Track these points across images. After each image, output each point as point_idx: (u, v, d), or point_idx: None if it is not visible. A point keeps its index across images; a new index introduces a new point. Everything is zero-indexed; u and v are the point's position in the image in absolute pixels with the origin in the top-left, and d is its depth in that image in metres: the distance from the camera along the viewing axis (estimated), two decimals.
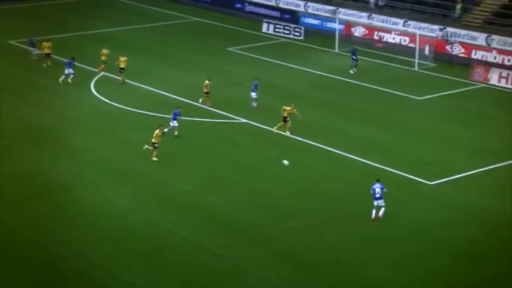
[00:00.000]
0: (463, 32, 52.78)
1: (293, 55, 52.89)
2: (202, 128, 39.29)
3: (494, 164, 34.14)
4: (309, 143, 36.99)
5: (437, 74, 48.65)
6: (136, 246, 27.60)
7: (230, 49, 54.09)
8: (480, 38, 52.06)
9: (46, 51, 49.12)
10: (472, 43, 52.04)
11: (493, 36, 51.51)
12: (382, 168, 33.97)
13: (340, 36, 54.51)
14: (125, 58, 45.79)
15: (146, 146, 34.96)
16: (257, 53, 52.98)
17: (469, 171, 33.39)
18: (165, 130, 36.48)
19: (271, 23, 59.71)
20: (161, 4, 68.36)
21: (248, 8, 65.64)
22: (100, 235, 28.35)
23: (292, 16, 61.64)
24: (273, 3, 64.88)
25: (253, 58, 52.05)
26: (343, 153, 35.64)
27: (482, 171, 33.52)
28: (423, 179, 32.70)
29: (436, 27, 53.76)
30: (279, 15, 62.32)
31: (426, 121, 40.39)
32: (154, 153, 34.74)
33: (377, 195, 29.13)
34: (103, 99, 43.33)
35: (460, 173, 33.23)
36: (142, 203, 30.89)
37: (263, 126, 39.17)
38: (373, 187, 29.33)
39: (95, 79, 46.78)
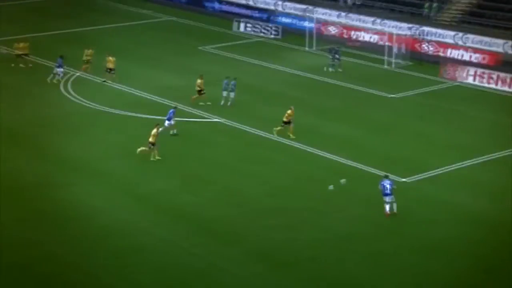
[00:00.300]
0: (435, 30, 53.19)
1: (266, 54, 52.90)
2: (176, 127, 39.10)
3: (466, 161, 34.43)
4: (283, 142, 37.03)
5: (409, 72, 48.97)
6: (112, 246, 27.45)
7: (202, 48, 53.92)
8: (451, 36, 52.49)
9: (18, 51, 48.59)
10: (444, 42, 52.47)
11: (464, 35, 51.96)
12: (355, 166, 34.13)
13: (313, 34, 54.60)
14: (114, 58, 45.50)
15: (140, 148, 34.64)
16: (230, 52, 52.93)
17: (441, 168, 33.67)
18: (160, 129, 36.22)
19: (244, 22, 59.66)
20: (134, 3, 68.01)
21: (221, 7, 65.51)
22: (75, 235, 28.13)
23: (265, 15, 61.65)
24: (246, 2, 64.80)
25: (226, 57, 52.01)
26: (317, 151, 35.73)
27: (454, 168, 33.80)
28: (396, 176, 32.86)
29: (408, 25, 54.08)
30: (252, 14, 62.30)
31: (399, 118, 40.64)
32: (156, 152, 34.51)
33: (387, 191, 29.41)
34: (77, 99, 42.98)
35: (432, 170, 33.50)
36: (117, 203, 30.71)
37: (237, 125, 39.15)
38: (383, 183, 29.59)
39: (71, 79, 46.41)
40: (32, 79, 46.41)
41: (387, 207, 29.42)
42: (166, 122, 37.29)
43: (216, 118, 40.12)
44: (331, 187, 31.08)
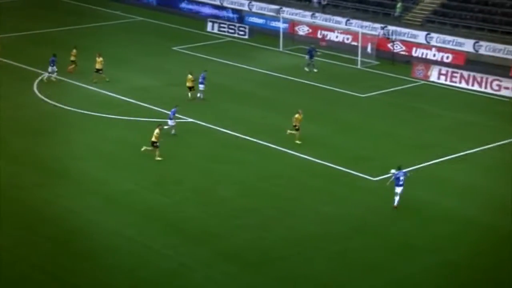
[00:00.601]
0: (404, 30, 53.55)
1: (238, 54, 52.88)
2: (146, 127, 38.93)
3: (434, 159, 34.66)
4: (253, 141, 37.03)
5: (379, 72, 49.21)
6: (80, 247, 27.24)
7: (175, 48, 53.74)
8: (420, 36, 52.90)
9: None
10: (413, 41, 52.85)
11: (432, 34, 52.40)
12: (325, 165, 34.20)
13: (284, 35, 54.70)
14: (101, 58, 45.17)
15: (144, 147, 34.60)
16: (202, 52, 52.81)
17: (411, 167, 33.79)
18: (165, 127, 36.34)
19: (216, 22, 59.59)
20: (103, 4, 67.62)
21: (193, 7, 65.38)
22: (41, 237, 27.84)
23: (236, 15, 61.61)
24: (217, 3, 64.77)
25: (198, 57, 51.87)
26: (286, 150, 35.77)
27: (422, 166, 33.99)
28: (366, 175, 33.01)
29: (378, 25, 54.43)
30: (223, 15, 62.23)
31: (368, 118, 40.81)
32: (157, 153, 34.37)
33: (401, 182, 29.75)
34: (45, 99, 42.64)
35: (402, 169, 33.52)
36: (87, 204, 30.49)
37: (209, 125, 39.07)
38: (397, 175, 29.84)
39: (38, 80, 46.03)
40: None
41: (397, 199, 29.77)
42: (169, 122, 37.25)
43: (187, 119, 40.00)
44: (392, 171, 30.57)
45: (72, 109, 41.28)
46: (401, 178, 29.86)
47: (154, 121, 39.72)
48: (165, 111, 40.84)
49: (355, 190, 32.00)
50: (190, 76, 42.30)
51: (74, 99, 42.84)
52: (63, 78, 46.20)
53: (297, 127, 36.52)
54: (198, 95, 42.01)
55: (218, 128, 38.59)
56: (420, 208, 30.30)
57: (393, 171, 30.48)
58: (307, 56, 49.06)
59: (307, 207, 30.30)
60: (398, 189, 29.92)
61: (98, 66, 45.15)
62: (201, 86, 41.95)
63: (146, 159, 34.99)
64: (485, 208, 30.25)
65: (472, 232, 28.50)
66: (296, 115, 36.61)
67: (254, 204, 30.60)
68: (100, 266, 26.11)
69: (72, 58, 46.67)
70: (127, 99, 43.07)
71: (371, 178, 32.74)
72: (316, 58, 48.94)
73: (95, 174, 33.32)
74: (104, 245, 27.43)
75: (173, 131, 37.40)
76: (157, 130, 34.66)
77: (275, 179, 33.02)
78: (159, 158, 34.44)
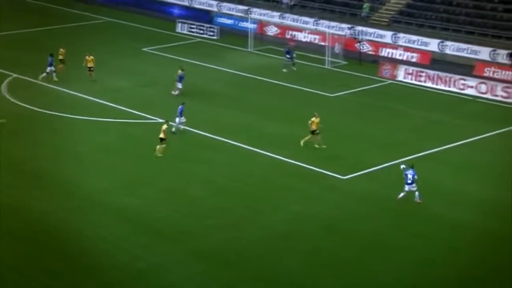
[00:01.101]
0: (370, 30, 53.85)
1: (207, 55, 52.74)
2: (116, 129, 38.70)
3: (403, 157, 34.81)
4: (224, 141, 36.93)
5: (347, 72, 49.41)
6: (54, 248, 26.96)
7: (145, 49, 53.42)
8: (387, 36, 53.24)
9: None
10: (380, 41, 53.18)
11: (399, 34, 52.77)
12: (295, 164, 34.23)
13: (253, 35, 54.68)
14: (92, 57, 45.10)
15: (157, 152, 34.51)
16: (172, 53, 52.55)
17: (380, 165, 34.01)
18: (173, 124, 36.90)
19: (185, 23, 59.38)
20: (71, 5, 66.97)
21: (162, 8, 65.05)
22: (16, 238, 27.50)
23: (206, 16, 61.44)
24: (186, 3, 64.56)
25: (168, 58, 51.62)
26: (257, 150, 35.73)
27: (391, 164, 34.15)
28: (336, 173, 33.11)
29: (345, 26, 54.67)
30: (193, 15, 62.01)
31: (337, 117, 40.93)
32: (161, 149, 34.37)
33: (409, 181, 29.95)
34: (15, 101, 42.08)
35: (371, 167, 33.78)
36: (59, 205, 30.16)
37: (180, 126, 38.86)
38: (406, 173, 30.06)
39: (6, 81, 45.43)
40: None
41: (402, 194, 30.09)
42: (177, 119, 37.31)
43: (158, 119, 39.76)
44: (403, 166, 30.85)
45: (43, 111, 40.79)
46: (409, 176, 30.09)
47: (126, 122, 39.51)
48: (137, 112, 40.62)
49: (326, 189, 32.05)
50: (179, 71, 42.79)
51: (45, 101, 42.33)
52: (33, 80, 45.63)
53: (316, 131, 35.35)
54: (176, 92, 41.83)
55: (189, 128, 38.42)
56: (391, 206, 30.43)
57: (403, 166, 30.75)
58: (287, 56, 48.95)
59: (279, 206, 30.29)
60: (406, 187, 30.10)
61: (90, 64, 45.20)
62: (178, 85, 41.81)
63: (118, 160, 34.74)
64: (454, 206, 30.47)
65: (442, 229, 28.67)
66: (313, 118, 35.59)
67: (227, 204, 30.51)
68: (74, 266, 25.84)
69: (61, 57, 46.42)
70: (99, 100, 42.68)
71: (342, 177, 32.83)
72: (289, 57, 48.93)
73: (68, 175, 32.98)
74: (78, 246, 27.15)
75: (181, 127, 37.49)
76: (164, 126, 34.78)
77: (247, 178, 32.97)
78: (160, 154, 34.37)
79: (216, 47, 55.12)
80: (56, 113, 40.41)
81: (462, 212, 29.96)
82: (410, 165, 30.65)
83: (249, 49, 53.72)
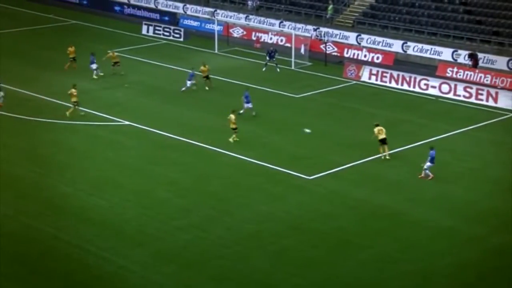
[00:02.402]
0: (335, 31, 54.00)
1: (173, 57, 52.41)
2: (81, 131, 38.21)
3: (368, 156, 34.92)
4: (188, 142, 36.66)
5: (312, 73, 49.44)
6: (16, 252, 26.43)
7: (110, 51, 52.82)
8: (351, 37, 53.41)
9: None
10: (344, 42, 53.33)
11: (363, 35, 52.97)
12: (260, 164, 34.09)
13: (219, 37, 54.47)
14: (115, 53, 46.84)
15: (232, 138, 35.98)
16: (137, 55, 52.11)
17: (344, 165, 34.02)
18: (240, 111, 38.32)
19: (151, 25, 58.95)
20: (35, 7, 66.10)
21: (128, 10, 64.55)
22: None
23: (173, 18, 61.09)
24: (152, 5, 64.13)
25: (134, 60, 51.12)
26: (221, 151, 35.52)
27: (355, 164, 34.21)
28: (301, 173, 33.04)
29: (310, 27, 54.76)
30: (158, 17, 61.63)
31: (302, 117, 40.86)
32: (234, 135, 35.94)
33: (431, 161, 32.21)
34: None
35: (336, 167, 33.78)
36: (20, 208, 29.65)
37: (144, 127, 38.54)
38: (432, 154, 32.29)
39: None
40: None
41: (429, 172, 32.23)
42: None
43: (123, 121, 39.38)
44: (307, 131, 32.27)
45: (6, 113, 40.11)
46: (429, 158, 32.24)
47: (90, 124, 39.01)
48: (101, 114, 40.17)
49: (291, 189, 31.94)
50: (204, 68, 44.30)
51: (8, 104, 41.60)
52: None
53: (384, 140, 34.50)
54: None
55: (153, 130, 38.09)
56: (355, 205, 30.47)
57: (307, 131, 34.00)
58: (267, 57, 49.03)
59: (244, 207, 30.12)
60: (429, 164, 32.21)
61: (115, 59, 46.88)
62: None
63: (83, 162, 34.27)
64: (416, 203, 30.60)
65: (404, 226, 28.80)
66: (375, 129, 34.62)
67: (193, 205, 30.25)
68: (36, 270, 25.37)
69: (71, 56, 47.25)
70: (64, 103, 42.07)
71: (307, 177, 32.77)
72: (272, 58, 48.85)
73: (31, 178, 32.46)
74: (41, 249, 26.69)
75: (253, 113, 39.49)
76: (232, 116, 35.62)
77: (212, 179, 32.75)
78: (236, 139, 35.94)
79: (182, 49, 54.81)
80: (20, 116, 39.76)
81: (422, 209, 30.08)
82: (432, 147, 32.62)
83: (215, 51, 53.50)
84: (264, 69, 48.97)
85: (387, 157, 34.73)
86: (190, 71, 44.22)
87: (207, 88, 44.59)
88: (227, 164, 34.46)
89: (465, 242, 27.62)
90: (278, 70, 48.80)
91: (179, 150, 35.91)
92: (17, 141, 36.75)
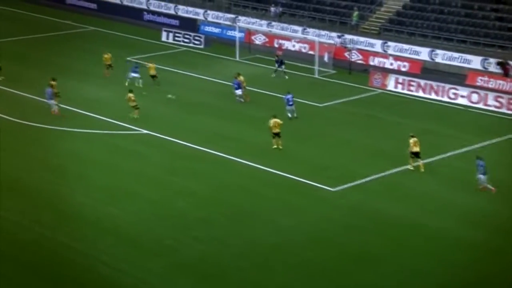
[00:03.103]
0: (360, 39, 54.04)
1: (193, 64, 52.77)
2: (98, 140, 38.57)
3: (393, 168, 34.86)
4: (209, 152, 36.83)
5: (336, 81, 49.51)
6: (30, 262, 26.71)
7: (129, 58, 53.29)
8: (377, 45, 53.42)
9: None
10: (370, 50, 53.34)
11: (389, 43, 52.94)
12: (282, 175, 34.16)
13: (240, 44, 54.75)
14: (154, 64, 47.37)
15: (274, 146, 36.60)
16: (157, 63, 52.33)
17: (369, 176, 33.96)
18: (289, 115, 39.69)
19: (171, 31, 59.41)
20: (52, 13, 66.90)
21: (147, 17, 65.12)
22: None
23: (193, 25, 61.50)
24: (172, 12, 64.64)
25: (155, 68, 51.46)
26: (242, 161, 35.63)
27: (381, 175, 34.16)
28: (324, 185, 33.06)
29: (334, 34, 54.85)
30: (181, 24, 62.08)
31: (327, 127, 40.96)
32: (280, 142, 36.50)
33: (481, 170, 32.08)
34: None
35: (360, 179, 33.75)
36: (35, 218, 29.94)
37: (163, 136, 38.80)
38: (479, 163, 32.32)
39: None
40: None
41: (488, 185, 32.07)
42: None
43: (142, 130, 39.70)
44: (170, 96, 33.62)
45: (22, 121, 40.59)
46: (481, 168, 32.17)
47: (108, 133, 39.37)
48: (120, 123, 40.53)
49: (314, 200, 31.97)
50: (242, 78, 44.14)
51: (25, 111, 42.14)
52: (15, 91, 45.47)
53: (417, 153, 34.39)
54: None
55: (172, 139, 38.34)
56: (379, 218, 30.42)
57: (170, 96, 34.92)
58: (276, 65, 49.60)
59: (264, 218, 30.19)
60: (481, 176, 32.12)
61: (152, 72, 46.87)
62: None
63: (100, 171, 34.57)
64: (440, 216, 30.49)
65: (427, 238, 28.71)
66: (411, 140, 34.61)
67: (211, 216, 30.38)
68: (51, 281, 25.61)
69: (107, 63, 48.32)
70: (80, 111, 42.53)
71: (330, 189, 32.78)
72: (273, 67, 49.42)
73: (45, 187, 32.79)
74: (55, 260, 26.91)
75: (294, 115, 40.81)
76: (277, 120, 36.45)
77: (232, 190, 32.87)
78: (279, 147, 36.44)
79: (203, 56, 55.15)
80: (35, 124, 40.24)
81: (450, 223, 29.98)
82: (479, 157, 32.55)
83: (236, 59, 53.76)
84: (273, 75, 49.47)
85: (422, 170, 34.55)
86: (234, 80, 44.29)
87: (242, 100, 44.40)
88: (247, 174, 34.58)
89: (487, 255, 27.55)
90: (287, 77, 49.06)
91: (198, 160, 36.11)
92: (33, 149, 37.16)
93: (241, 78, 44.68)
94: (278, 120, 37.07)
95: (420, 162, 34.71)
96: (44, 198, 31.80)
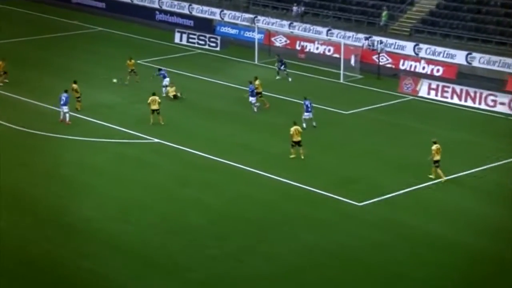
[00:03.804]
0: (390, 41, 54.30)
1: (208, 68, 53.32)
2: (107, 149, 39.15)
3: (425, 181, 35.10)
4: (224, 162, 37.33)
5: (364, 87, 49.85)
6: (36, 280, 27.28)
7: (140, 61, 53.95)
8: (408, 47, 53.66)
9: None
10: (400, 53, 53.61)
11: (421, 45, 53.17)
12: (303, 188, 34.51)
13: (260, 46, 55.24)
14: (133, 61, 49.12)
15: (292, 156, 37.29)
16: (169, 66, 53.01)
17: (398, 190, 34.24)
18: (305, 125, 39.81)
19: (185, 32, 60.01)
20: (57, 12, 67.83)
21: (159, 16, 65.75)
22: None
23: (209, 25, 62.03)
24: (186, 11, 65.20)
25: (167, 72, 52.08)
26: (261, 172, 36.09)
27: (411, 189, 34.42)
28: (350, 199, 33.40)
29: (362, 36, 55.15)
30: (195, 24, 62.64)
31: (352, 136, 41.33)
32: (302, 151, 37.12)
33: None
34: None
35: (389, 192, 34.02)
36: (42, 233, 30.52)
37: (176, 146, 39.35)
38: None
39: None
40: None
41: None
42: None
43: (153, 139, 40.27)
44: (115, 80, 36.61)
45: (24, 129, 41.31)
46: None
47: (118, 142, 39.99)
48: (131, 131, 41.09)
49: (339, 216, 32.33)
50: (258, 82, 44.57)
51: (28, 118, 42.90)
52: (16, 96, 46.20)
53: (437, 162, 34.88)
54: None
55: (186, 149, 38.88)
56: (410, 235, 30.71)
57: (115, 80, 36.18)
58: (277, 64, 50.49)
59: (285, 235, 30.55)
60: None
61: (131, 68, 48.64)
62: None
63: (110, 184, 35.16)
64: (479, 235, 30.68)
65: (463, 258, 28.98)
66: (433, 147, 35.01)
67: (227, 232, 30.81)
68: None
69: (131, 68, 49.18)
70: (87, 117, 43.22)
71: (356, 203, 33.12)
72: (288, 70, 50.07)
73: (52, 200, 33.40)
74: (63, 277, 27.45)
75: (313, 123, 41.51)
76: (297, 128, 37.18)
77: (250, 204, 33.31)
78: (302, 157, 37.04)
79: (219, 59, 55.71)
80: (39, 132, 40.93)
81: (484, 240, 30.19)
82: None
83: (255, 62, 54.27)
84: (278, 77, 50.21)
85: (443, 179, 35.02)
86: (250, 86, 44.56)
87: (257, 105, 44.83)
88: (266, 187, 35.02)
89: None
90: (290, 79, 49.86)
91: (213, 171, 36.60)
92: (38, 159, 37.83)
93: (257, 82, 45.14)
94: (298, 128, 37.59)
95: (442, 174, 35.00)
96: (50, 212, 32.38)
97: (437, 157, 35.03)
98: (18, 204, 33.05)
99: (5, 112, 43.70)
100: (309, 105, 41.48)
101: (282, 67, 50.55)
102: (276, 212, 32.50)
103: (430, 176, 35.26)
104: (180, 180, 35.59)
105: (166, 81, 46.98)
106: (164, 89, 46.60)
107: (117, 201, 33.33)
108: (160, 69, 48.00)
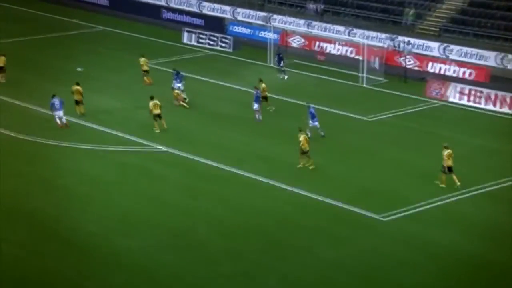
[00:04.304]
0: (417, 41, 54.25)
1: (220, 70, 53.47)
2: (110, 158, 39.30)
3: (453, 193, 35.05)
4: (237, 172, 37.40)
5: (388, 91, 49.83)
6: None
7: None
8: (436, 48, 53.60)
9: None
10: (428, 55, 53.55)
11: (451, 46, 53.09)
12: (322, 200, 34.54)
13: (275, 47, 55.27)
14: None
15: (300, 165, 37.44)
16: (177, 68, 53.14)
17: (424, 202, 34.20)
18: (309, 134, 39.36)
19: (194, 32, 60.18)
20: (56, 10, 68.22)
21: (166, 15, 65.97)
22: None
23: (220, 24, 62.20)
24: (196, 9, 65.38)
25: (172, 74, 52.25)
26: (275, 183, 36.14)
27: (438, 202, 34.40)
28: (372, 212, 33.39)
29: (385, 36, 55.11)
30: (203, 23, 62.84)
31: (375, 144, 41.30)
32: (311, 161, 37.36)
33: None
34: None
35: (413, 205, 34.01)
36: (38, 249, 30.66)
37: (184, 155, 39.46)
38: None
39: None
40: None
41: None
42: (311, 123, 40.92)
43: (160, 147, 40.39)
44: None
45: (21, 136, 41.52)
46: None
47: (119, 150, 40.11)
48: (134, 139, 41.22)
49: (359, 230, 32.34)
50: (264, 85, 44.91)
51: (24, 124, 43.13)
52: (12, 101, 46.47)
53: (450, 168, 35.36)
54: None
55: (195, 158, 38.97)
56: (437, 252, 30.65)
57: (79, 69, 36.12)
58: (276, 58, 50.86)
59: (302, 251, 30.57)
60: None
61: (144, 68, 49.81)
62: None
63: (111, 195, 35.29)
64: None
65: (498, 277, 28.87)
66: (445, 152, 35.56)
67: (239, 247, 30.85)
68: None
69: (145, 68, 49.89)
70: (86, 123, 43.39)
71: (379, 217, 33.11)
72: (286, 69, 50.31)
73: (49, 213, 33.50)
74: None
75: (322, 133, 41.21)
76: (304, 137, 37.22)
77: (263, 217, 33.35)
78: (312, 166, 37.18)
79: (230, 61, 55.85)
80: (37, 139, 41.12)
81: None
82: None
83: (269, 64, 54.38)
84: (280, 76, 50.56)
85: (458, 184, 35.22)
86: (254, 91, 44.51)
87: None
88: (282, 199, 35.06)
89: None
90: (286, 77, 49.95)
91: (225, 182, 36.67)
92: (34, 168, 38.01)
93: (263, 85, 45.08)
94: (306, 136, 37.55)
95: (456, 181, 35.11)
96: (47, 226, 32.49)
97: (449, 163, 34.99)
98: (12, 218, 33.15)
99: (0, 117, 43.93)
100: (314, 113, 41.16)
101: (281, 63, 50.36)
102: (292, 226, 32.53)
103: (441, 185, 35.37)
104: (188, 192, 35.67)
105: (181, 85, 46.85)
106: (180, 90, 46.45)
107: (120, 215, 33.44)
108: (178, 72, 47.71)
